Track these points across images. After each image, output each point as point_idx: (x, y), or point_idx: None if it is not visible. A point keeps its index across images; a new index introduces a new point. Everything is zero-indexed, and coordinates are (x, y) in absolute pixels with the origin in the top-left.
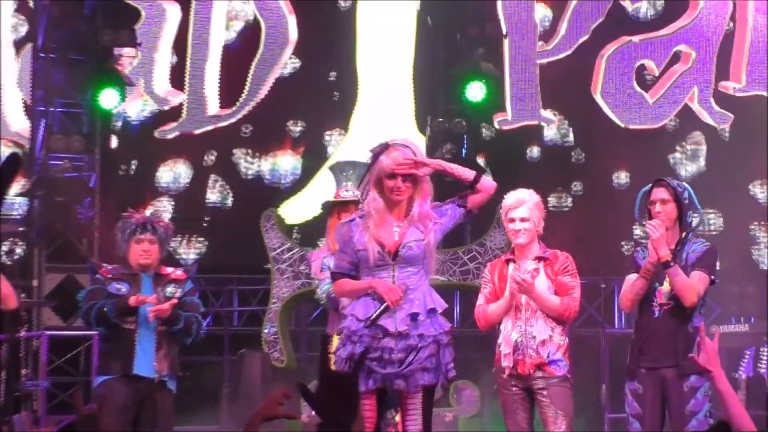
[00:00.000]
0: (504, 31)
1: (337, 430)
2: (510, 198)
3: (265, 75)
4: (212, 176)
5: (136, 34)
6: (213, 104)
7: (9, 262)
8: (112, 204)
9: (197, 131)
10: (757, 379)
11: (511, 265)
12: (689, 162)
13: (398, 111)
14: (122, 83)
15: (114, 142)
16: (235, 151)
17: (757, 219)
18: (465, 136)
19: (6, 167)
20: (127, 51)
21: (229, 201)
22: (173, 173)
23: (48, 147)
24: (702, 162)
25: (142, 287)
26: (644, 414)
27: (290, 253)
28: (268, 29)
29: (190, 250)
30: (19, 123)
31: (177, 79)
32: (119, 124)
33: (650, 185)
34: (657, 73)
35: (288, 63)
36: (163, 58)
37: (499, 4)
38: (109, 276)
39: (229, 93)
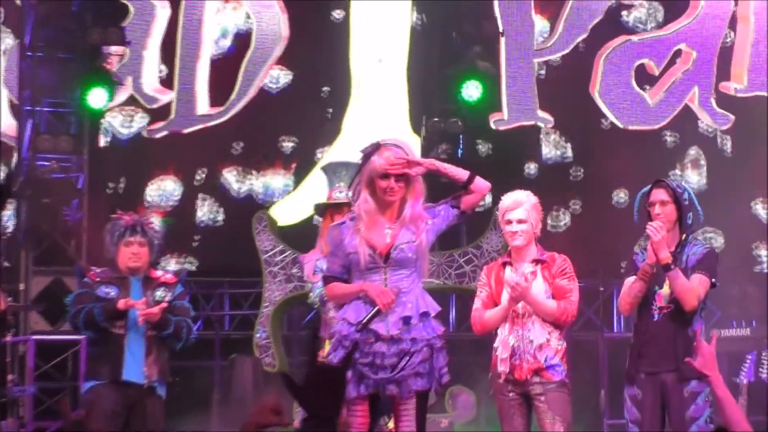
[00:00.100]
0: (500, 29)
1: (323, 427)
2: (507, 199)
3: (257, 72)
4: (201, 195)
5: (125, 32)
6: (203, 103)
7: None
8: (100, 206)
9: (186, 130)
10: (758, 384)
11: (508, 269)
12: (690, 179)
13: (392, 111)
14: (111, 82)
15: (102, 141)
16: (225, 169)
17: (759, 238)
18: (461, 136)
19: None
20: (115, 49)
21: (220, 218)
22: (162, 191)
23: (35, 147)
24: (703, 179)
25: (132, 291)
26: (644, 420)
27: (282, 256)
28: (260, 25)
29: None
30: (6, 123)
31: (166, 77)
32: (108, 139)
33: (649, 186)
34: (657, 73)
35: (280, 76)
36: (152, 56)
37: (496, 3)
38: (98, 279)
39: (220, 91)
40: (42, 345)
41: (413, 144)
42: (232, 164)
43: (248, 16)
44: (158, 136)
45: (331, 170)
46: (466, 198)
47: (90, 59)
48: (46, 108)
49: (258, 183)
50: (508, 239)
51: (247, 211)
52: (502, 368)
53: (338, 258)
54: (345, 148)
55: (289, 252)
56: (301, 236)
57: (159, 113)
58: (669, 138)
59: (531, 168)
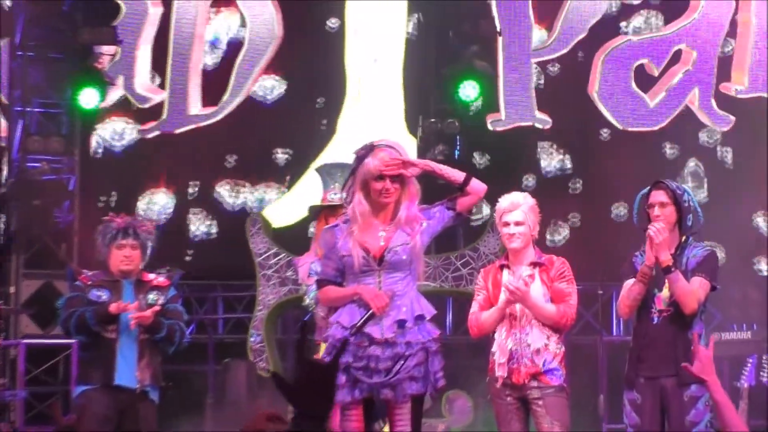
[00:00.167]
0: (497, 29)
1: (313, 426)
2: (504, 201)
3: (250, 72)
4: (194, 209)
5: (117, 31)
6: (195, 103)
7: None
8: (92, 208)
9: (178, 131)
10: (759, 388)
11: (506, 271)
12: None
13: (388, 111)
14: (102, 82)
15: (93, 142)
16: (218, 184)
17: (760, 251)
18: (458, 137)
19: None
20: (107, 48)
21: (214, 230)
22: (154, 204)
23: (25, 148)
24: (704, 192)
25: (124, 294)
26: (643, 424)
27: (276, 259)
28: (253, 24)
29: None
30: None
31: (158, 76)
32: (100, 151)
33: (648, 188)
34: (656, 74)
35: (275, 86)
36: (144, 55)
37: (493, 2)
38: (89, 283)
39: (213, 91)
40: (33, 349)
41: (409, 145)
42: (225, 177)
43: (242, 23)
44: (150, 136)
45: (325, 172)
46: (462, 200)
47: (81, 59)
48: (36, 108)
49: (251, 197)
50: (506, 242)
51: (242, 223)
52: (500, 372)
53: (332, 261)
54: (340, 149)
55: (283, 255)
56: (296, 238)
57: (152, 114)
58: (669, 150)
59: (529, 180)
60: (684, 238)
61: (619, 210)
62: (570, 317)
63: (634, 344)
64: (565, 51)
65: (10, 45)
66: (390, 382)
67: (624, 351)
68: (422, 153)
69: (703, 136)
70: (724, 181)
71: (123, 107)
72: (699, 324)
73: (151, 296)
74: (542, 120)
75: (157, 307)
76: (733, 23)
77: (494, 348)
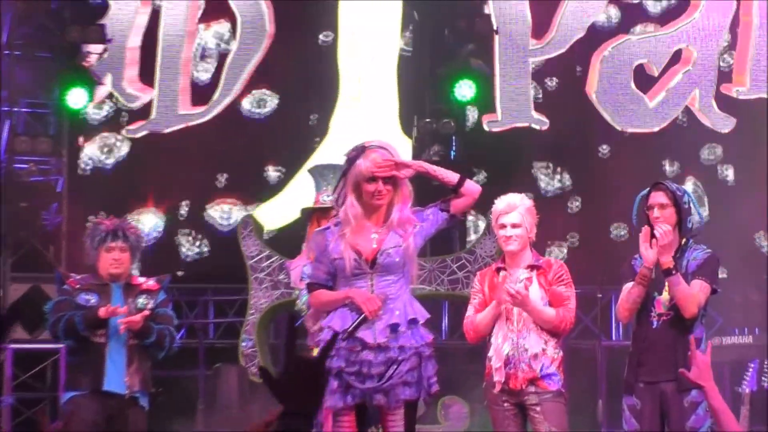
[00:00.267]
0: (494, 27)
1: (301, 424)
2: (501, 203)
3: (240, 71)
4: (185, 230)
5: (106, 29)
6: (185, 102)
7: None
8: (80, 210)
9: (167, 130)
10: (761, 393)
11: (503, 274)
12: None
13: (382, 111)
14: (91, 81)
15: (81, 162)
16: (209, 205)
17: (762, 271)
18: (454, 138)
19: None
20: (95, 46)
21: (205, 249)
22: (142, 225)
23: (12, 149)
24: (705, 211)
25: (113, 298)
26: (643, 430)
27: (269, 262)
28: (244, 21)
29: None
30: None
31: (147, 75)
32: (89, 168)
33: (648, 189)
34: (656, 74)
35: (266, 99)
36: (133, 53)
37: (490, 0)
38: (78, 286)
39: (202, 90)
40: (20, 354)
41: (403, 146)
42: (215, 198)
43: (232, 33)
44: (139, 135)
45: (318, 173)
46: (456, 201)
47: (69, 58)
48: (23, 108)
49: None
50: (502, 244)
51: (234, 244)
52: (497, 378)
53: (323, 264)
54: (332, 149)
55: (275, 257)
56: (289, 241)
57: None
58: (668, 168)
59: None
60: (684, 240)
61: (619, 230)
62: (569, 321)
63: (634, 348)
64: (563, 50)
65: None
66: (383, 387)
67: (623, 356)
68: (417, 154)
69: (703, 155)
70: (725, 200)
71: (113, 122)
72: (699, 328)
73: (141, 300)
74: (539, 121)
75: (146, 312)
76: (734, 23)
77: (491, 353)
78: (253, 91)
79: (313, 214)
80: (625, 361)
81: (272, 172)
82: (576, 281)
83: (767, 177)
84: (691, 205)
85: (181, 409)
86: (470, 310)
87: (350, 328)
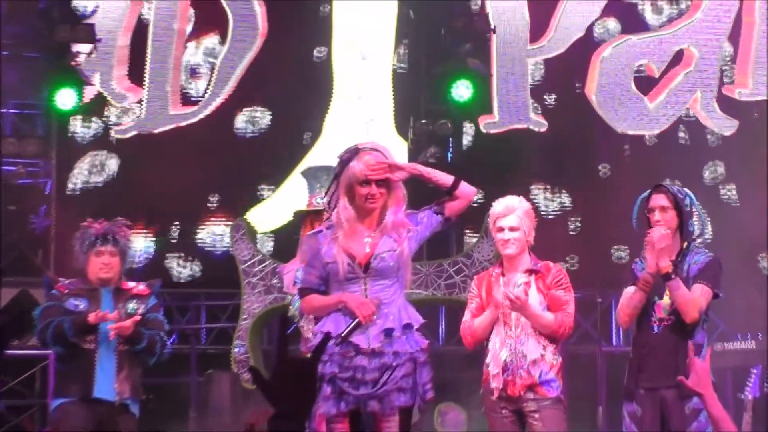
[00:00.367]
0: (492, 26)
1: (292, 426)
2: (498, 205)
3: (232, 70)
4: (176, 253)
5: (95, 29)
6: (175, 101)
7: None
8: (69, 213)
9: (157, 130)
10: (764, 399)
11: (502, 280)
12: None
13: (376, 112)
14: (80, 82)
15: (69, 183)
16: (200, 228)
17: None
18: (450, 139)
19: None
20: (83, 46)
21: (197, 269)
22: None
23: (0, 151)
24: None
25: (102, 303)
26: None
27: (262, 266)
28: (236, 20)
29: None
30: None
31: (137, 74)
32: (78, 187)
33: (649, 191)
34: (657, 75)
35: (259, 118)
36: (122, 52)
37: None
38: (66, 291)
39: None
40: (8, 360)
41: (397, 147)
42: (207, 219)
43: (220, 42)
44: (128, 135)
45: (311, 175)
46: (451, 204)
47: (58, 58)
48: (11, 110)
49: None
50: (500, 248)
51: (227, 267)
52: (495, 384)
53: (315, 269)
54: (326, 151)
55: (268, 261)
56: (281, 245)
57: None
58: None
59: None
60: (685, 244)
61: (620, 253)
62: (568, 326)
63: (634, 354)
64: (561, 51)
65: None
66: (377, 393)
67: (623, 361)
68: (413, 155)
69: (706, 175)
70: (727, 221)
71: (102, 141)
72: (701, 333)
73: (131, 305)
74: (538, 123)
75: (137, 317)
76: (737, 24)
77: (488, 359)
78: (245, 110)
79: (306, 217)
80: (626, 367)
81: (266, 192)
82: (575, 285)
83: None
84: (693, 208)
85: (172, 416)
86: (467, 315)
87: (344, 333)
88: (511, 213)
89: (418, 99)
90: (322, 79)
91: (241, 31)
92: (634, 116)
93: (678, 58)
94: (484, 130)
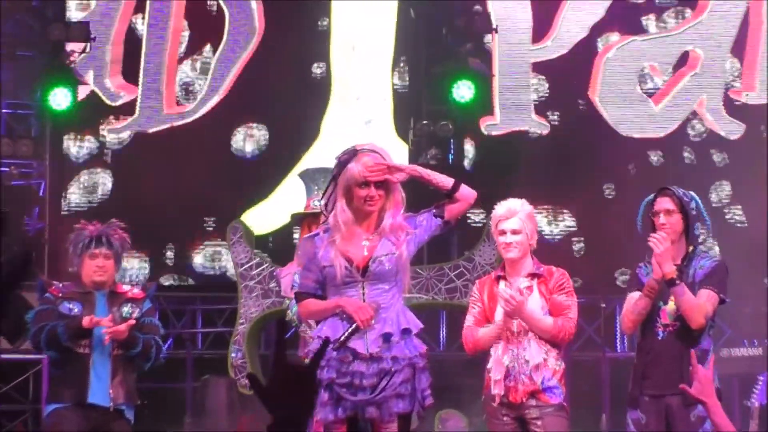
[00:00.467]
0: (494, 25)
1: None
2: (501, 208)
3: (228, 69)
4: (171, 276)
5: (89, 27)
6: (170, 101)
7: None
8: (64, 226)
9: (151, 130)
10: None
11: (502, 283)
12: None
13: (375, 112)
14: (74, 81)
15: (63, 202)
16: (195, 251)
17: None
18: (452, 141)
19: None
20: (77, 45)
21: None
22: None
23: None
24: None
25: (97, 307)
26: None
27: (259, 269)
28: (232, 17)
29: None
30: None
31: (131, 72)
32: (67, 207)
33: (653, 195)
34: (662, 77)
35: (256, 137)
36: (116, 50)
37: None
38: (60, 295)
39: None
40: (1, 365)
41: (396, 149)
42: (202, 241)
43: (212, 50)
44: (123, 135)
45: (308, 177)
46: (451, 207)
47: (52, 57)
48: (4, 110)
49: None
50: (502, 251)
51: (222, 299)
52: (496, 390)
53: (312, 272)
54: (323, 152)
55: (266, 265)
56: (279, 248)
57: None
58: None
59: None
60: (691, 248)
61: (625, 276)
62: (568, 331)
63: (638, 360)
64: (564, 52)
65: None
66: (375, 399)
67: (628, 368)
68: (414, 157)
69: (713, 197)
70: (733, 241)
71: (97, 158)
72: (707, 339)
73: (126, 309)
74: (539, 124)
75: (132, 321)
76: (744, 25)
77: (490, 364)
78: (240, 128)
79: (303, 220)
80: (630, 374)
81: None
82: (579, 290)
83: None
84: (699, 211)
85: (167, 421)
86: (469, 320)
87: (342, 338)
88: (513, 216)
89: (418, 100)
90: (320, 97)
91: (237, 30)
92: (639, 119)
93: (684, 59)
94: (485, 132)
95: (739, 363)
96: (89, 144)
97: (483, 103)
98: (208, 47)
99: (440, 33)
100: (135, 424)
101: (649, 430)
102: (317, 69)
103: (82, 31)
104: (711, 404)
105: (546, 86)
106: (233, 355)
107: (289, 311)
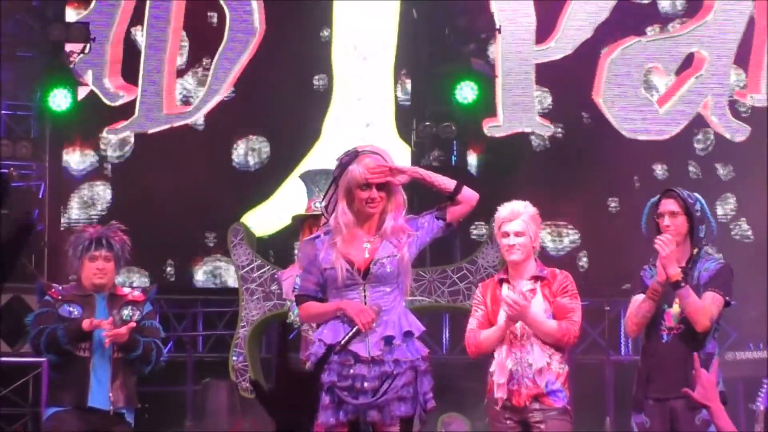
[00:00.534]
0: (497, 25)
1: None
2: (504, 210)
3: (229, 69)
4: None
5: (89, 27)
6: (170, 101)
7: None
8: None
9: (151, 130)
10: None
11: (505, 286)
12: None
13: (377, 114)
14: (74, 82)
15: (63, 218)
16: (197, 266)
17: None
18: (455, 142)
19: None
20: (77, 45)
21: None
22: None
23: None
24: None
25: (97, 310)
26: None
27: (260, 272)
28: (233, 17)
29: None
30: None
31: (131, 72)
32: (67, 221)
33: (658, 196)
34: (667, 79)
35: (256, 149)
36: (115, 50)
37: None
38: (60, 297)
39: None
40: (1, 368)
41: (398, 150)
42: (203, 257)
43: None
44: (121, 136)
45: (309, 178)
46: (453, 209)
47: (52, 57)
48: (4, 111)
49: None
50: (505, 253)
51: (223, 302)
52: (499, 394)
53: (312, 275)
54: (324, 154)
55: (267, 267)
56: (280, 250)
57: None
58: None
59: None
60: (696, 250)
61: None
62: (572, 334)
63: (643, 364)
64: (569, 53)
65: None
66: (377, 403)
67: (632, 371)
68: (417, 159)
69: (719, 212)
70: (740, 254)
71: (97, 172)
72: (712, 343)
73: (126, 312)
74: (543, 126)
75: (132, 324)
76: (750, 26)
77: (493, 367)
78: (239, 142)
79: (305, 222)
80: (634, 377)
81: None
82: (583, 293)
83: None
84: (704, 213)
85: (168, 425)
86: (472, 323)
87: (343, 341)
88: (516, 218)
89: (421, 101)
90: (321, 109)
91: (238, 30)
92: (643, 121)
93: (689, 61)
94: (488, 134)
95: (744, 366)
96: (89, 158)
97: (486, 105)
98: (207, 61)
99: (443, 33)
100: (135, 428)
101: None
102: (319, 81)
103: (81, 32)
104: (714, 408)
105: (550, 99)
106: (234, 358)
107: (291, 313)
